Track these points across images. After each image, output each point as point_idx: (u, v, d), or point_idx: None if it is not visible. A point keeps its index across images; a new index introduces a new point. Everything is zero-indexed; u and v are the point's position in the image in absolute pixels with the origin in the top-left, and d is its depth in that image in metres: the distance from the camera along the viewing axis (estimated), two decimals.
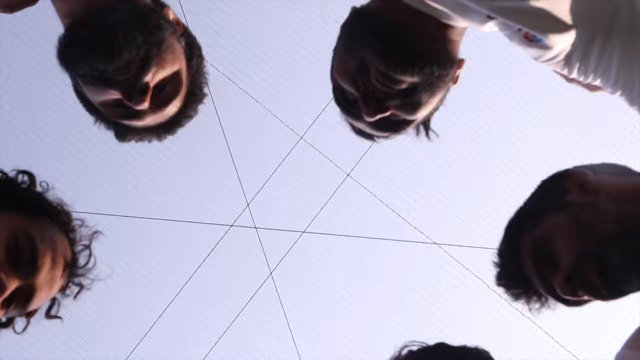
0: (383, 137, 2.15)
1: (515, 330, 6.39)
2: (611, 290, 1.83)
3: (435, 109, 2.08)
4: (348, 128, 2.21)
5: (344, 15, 2.08)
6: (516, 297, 2.06)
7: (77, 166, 6.33)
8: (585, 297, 1.90)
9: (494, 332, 6.41)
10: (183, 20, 2.27)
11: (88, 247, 2.26)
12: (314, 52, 6.06)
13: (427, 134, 2.14)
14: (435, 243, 6.68)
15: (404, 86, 1.86)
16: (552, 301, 2.02)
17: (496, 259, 2.09)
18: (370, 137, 2.17)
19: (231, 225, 6.84)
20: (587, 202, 1.89)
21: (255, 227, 6.83)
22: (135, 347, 6.78)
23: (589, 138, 6.20)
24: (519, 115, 6.41)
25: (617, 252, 1.79)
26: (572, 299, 1.91)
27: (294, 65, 6.40)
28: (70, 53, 2.05)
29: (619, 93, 1.93)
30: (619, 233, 1.79)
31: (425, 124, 2.12)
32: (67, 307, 2.22)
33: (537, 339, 6.40)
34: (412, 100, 1.90)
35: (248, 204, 6.78)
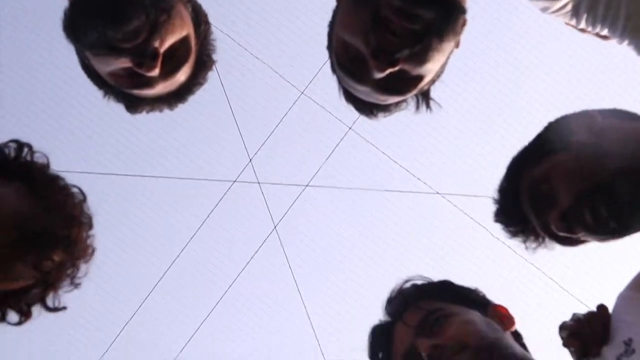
0: (385, 108, 2.11)
1: (519, 276, 6.43)
2: (620, 222, 1.85)
3: (438, 75, 2.05)
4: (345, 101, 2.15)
5: None
6: (513, 234, 2.07)
7: (77, 125, 6.34)
8: (580, 235, 1.92)
9: (497, 279, 6.45)
10: None
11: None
12: (313, 7, 6.03)
13: (427, 105, 2.11)
14: (438, 193, 6.71)
15: (417, 26, 1.82)
16: (548, 240, 2.03)
17: (496, 196, 2.09)
18: (370, 109, 2.13)
19: (234, 181, 6.86)
20: (592, 142, 1.89)
21: (259, 182, 6.84)
22: (142, 302, 6.85)
23: (596, 83, 6.20)
24: (525, 63, 6.40)
25: (623, 186, 1.80)
26: (567, 235, 1.93)
27: (294, 21, 6.37)
28: (77, 22, 2.03)
29: (626, 42, 1.93)
30: (624, 170, 1.80)
31: (425, 94, 2.09)
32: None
33: (540, 284, 6.44)
34: (422, 46, 1.85)
35: (250, 160, 6.79)
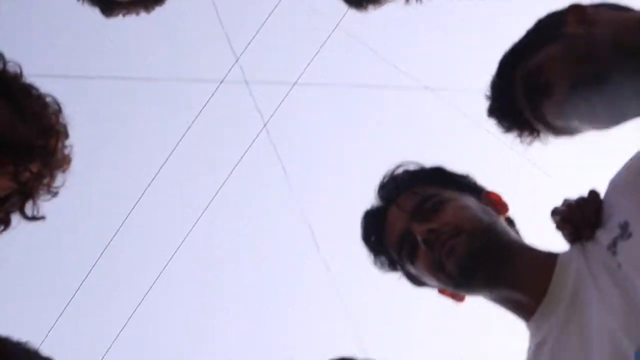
0: None
1: (512, 171, 6.46)
2: (609, 110, 1.83)
3: None
4: None
5: None
6: (507, 129, 2.04)
7: (52, 26, 6.24)
8: (576, 124, 1.89)
9: (489, 173, 6.45)
10: None
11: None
12: None
13: None
14: (427, 87, 6.66)
15: None
16: (542, 133, 2.01)
17: (488, 92, 2.06)
18: (360, 0, 2.08)
19: (221, 82, 6.79)
20: (585, 32, 1.86)
21: (246, 82, 6.78)
22: (135, 204, 6.85)
23: None
24: None
25: (613, 76, 1.77)
26: (564, 124, 1.90)
27: None
28: None
29: None
30: (622, 57, 1.77)
31: None
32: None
33: (533, 178, 6.48)
34: None
35: (237, 59, 6.71)
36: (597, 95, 1.80)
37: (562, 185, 6.39)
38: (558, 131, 1.97)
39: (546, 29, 1.98)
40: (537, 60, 1.91)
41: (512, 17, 6.08)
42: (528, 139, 2.03)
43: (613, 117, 1.85)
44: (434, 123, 6.79)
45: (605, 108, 1.82)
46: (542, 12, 2.06)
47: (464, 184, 2.17)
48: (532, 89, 1.92)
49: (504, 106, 2.03)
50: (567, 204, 1.96)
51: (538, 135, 2.01)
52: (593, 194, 1.93)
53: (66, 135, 2.16)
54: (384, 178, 2.19)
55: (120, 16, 2.26)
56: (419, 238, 1.96)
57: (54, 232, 6.75)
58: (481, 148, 6.40)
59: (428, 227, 1.96)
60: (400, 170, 2.20)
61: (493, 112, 2.06)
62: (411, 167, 2.21)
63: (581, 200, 1.94)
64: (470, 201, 2.07)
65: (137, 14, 2.27)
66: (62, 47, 6.38)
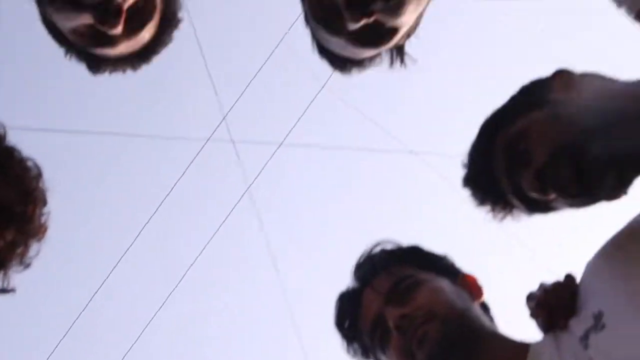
0: (359, 62, 2.07)
1: (489, 241, 6.45)
2: (584, 186, 1.80)
3: (413, 28, 2.02)
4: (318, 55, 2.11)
5: None
6: (482, 201, 2.02)
7: (42, 81, 6.25)
8: (552, 198, 1.87)
9: (468, 242, 6.46)
10: None
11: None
12: None
13: (402, 60, 2.08)
14: (412, 151, 6.69)
15: None
16: (516, 210, 1.99)
17: (466, 159, 2.05)
18: (344, 64, 2.09)
19: (207, 140, 6.79)
20: (570, 99, 1.86)
21: (232, 141, 6.79)
22: (113, 268, 6.80)
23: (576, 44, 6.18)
24: (502, 22, 6.37)
25: (594, 145, 1.76)
26: (540, 197, 1.88)
27: None
28: None
29: None
30: (601, 127, 1.76)
31: (400, 49, 2.07)
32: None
33: (511, 251, 6.46)
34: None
35: (224, 117, 6.73)
36: (571, 166, 1.79)
37: (542, 257, 6.40)
38: (534, 206, 1.95)
39: (531, 95, 1.98)
40: (519, 126, 1.90)
41: (499, 81, 6.15)
42: (500, 215, 2.02)
43: (588, 192, 1.83)
44: (417, 187, 6.80)
45: (578, 179, 1.80)
46: (528, 74, 2.06)
47: (441, 266, 2.16)
48: (511, 156, 1.90)
49: (480, 175, 2.01)
50: (543, 288, 1.93)
51: (511, 211, 2.00)
52: (569, 278, 1.92)
53: (44, 203, 2.13)
54: (360, 258, 2.19)
55: (106, 73, 2.26)
56: (391, 324, 1.95)
57: (31, 293, 6.67)
58: (463, 215, 6.39)
59: (400, 312, 1.95)
60: (377, 250, 2.20)
61: (468, 181, 2.05)
62: (388, 247, 2.20)
63: (557, 285, 1.91)
64: (445, 284, 2.05)
65: (124, 71, 2.26)
66: (47, 100, 6.39)
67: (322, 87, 6.35)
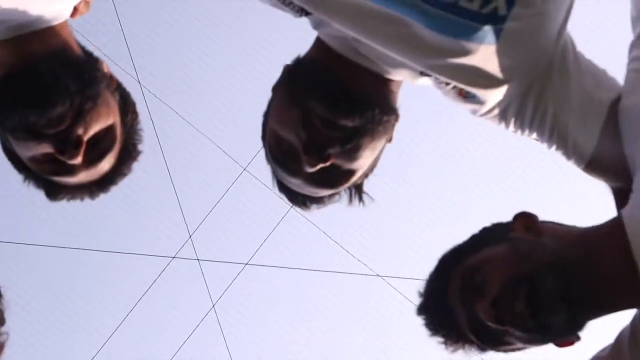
0: (318, 200, 2.12)
1: None
2: (537, 318, 1.83)
3: (371, 169, 2.08)
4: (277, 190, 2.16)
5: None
6: (435, 331, 2.05)
7: (13, 195, 6.24)
8: (508, 329, 1.89)
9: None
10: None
11: None
12: (259, 82, 6.05)
13: (360, 199, 2.14)
14: (378, 275, 6.69)
15: (345, 133, 1.85)
16: (468, 346, 2.01)
17: (422, 289, 2.08)
18: (303, 201, 2.14)
19: (173, 257, 6.78)
20: (528, 238, 1.90)
21: (198, 259, 6.77)
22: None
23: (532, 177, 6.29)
24: (465, 150, 6.48)
25: (549, 279, 1.79)
26: (496, 327, 1.90)
27: (238, 96, 6.40)
28: (0, 105, 1.99)
29: (554, 147, 1.97)
30: (554, 264, 1.80)
31: (358, 187, 2.12)
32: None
33: None
34: (353, 145, 1.90)
35: (190, 236, 6.73)
36: (524, 299, 1.81)
37: None
38: (487, 340, 1.97)
39: (491, 233, 2.02)
40: (477, 258, 1.94)
41: (463, 207, 6.23)
42: (452, 347, 2.03)
43: (541, 326, 1.85)
44: (383, 309, 6.77)
45: (540, 308, 1.82)
46: (489, 217, 2.10)
47: None
48: (467, 286, 1.93)
49: (434, 304, 2.04)
50: None
51: (463, 345, 2.02)
52: None
53: (2, 322, 2.11)
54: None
55: (64, 200, 2.25)
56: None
57: None
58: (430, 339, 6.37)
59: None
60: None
61: (423, 310, 2.07)
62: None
63: None
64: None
65: (82, 199, 2.26)
66: (12, 214, 6.36)
67: (290, 208, 6.40)
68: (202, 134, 6.52)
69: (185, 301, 6.95)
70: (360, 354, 6.68)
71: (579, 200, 5.34)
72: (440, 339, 2.02)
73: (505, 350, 1.97)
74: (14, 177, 2.19)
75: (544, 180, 6.18)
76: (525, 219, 1.94)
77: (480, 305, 1.87)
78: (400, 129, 2.04)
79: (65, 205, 6.20)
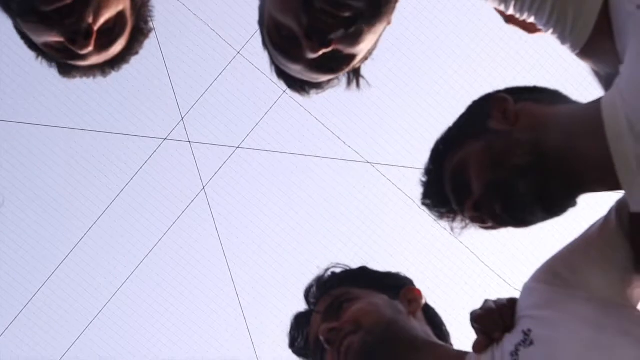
0: (317, 85, 2.11)
1: (443, 250, 6.53)
2: (515, 218, 1.88)
3: (370, 52, 2.07)
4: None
5: None
6: (440, 216, 2.10)
7: (9, 76, 6.23)
8: (492, 225, 1.95)
9: (422, 252, 6.53)
10: None
11: None
12: None
13: (357, 83, 2.13)
14: (368, 162, 6.74)
15: (347, 13, 1.84)
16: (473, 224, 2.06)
17: (422, 178, 2.12)
18: (302, 86, 2.13)
19: (165, 139, 6.80)
20: (505, 130, 1.91)
21: (189, 141, 6.80)
22: (65, 257, 6.77)
23: (527, 62, 6.28)
24: (457, 35, 6.46)
25: (522, 183, 1.82)
26: (481, 226, 1.96)
27: None
28: None
29: (551, 31, 1.96)
30: (529, 165, 1.82)
31: (356, 72, 2.11)
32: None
33: (464, 259, 6.55)
34: (355, 29, 1.88)
35: (182, 118, 6.75)
36: (500, 201, 1.86)
37: (494, 270, 6.49)
38: (483, 226, 2.02)
39: (473, 120, 2.03)
40: (460, 156, 1.97)
41: (452, 96, 6.24)
42: (459, 227, 2.09)
43: (520, 224, 1.91)
44: (373, 196, 6.85)
45: (516, 211, 1.87)
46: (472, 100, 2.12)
47: (383, 283, 2.25)
48: (455, 186, 1.98)
49: (435, 196, 2.09)
50: (487, 308, 1.99)
51: (468, 223, 2.07)
52: (512, 302, 1.98)
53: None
54: (310, 283, 2.29)
55: (77, 78, 2.27)
56: (322, 338, 2.04)
57: None
58: (417, 226, 6.48)
59: (329, 326, 2.04)
60: (327, 274, 2.29)
61: (425, 199, 2.12)
62: (337, 270, 2.30)
63: (501, 306, 1.97)
64: (380, 298, 2.14)
65: (95, 77, 2.27)
66: (7, 92, 6.35)
67: (282, 93, 6.41)
68: (197, 17, 6.47)
69: (176, 182, 7.01)
70: (347, 238, 6.78)
71: None
72: (447, 222, 2.08)
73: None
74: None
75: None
76: (500, 104, 1.94)
77: (467, 205, 1.92)
78: (397, 10, 2.02)
79: (60, 87, 6.20)
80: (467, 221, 2.03)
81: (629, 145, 1.66)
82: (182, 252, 7.02)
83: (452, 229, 2.07)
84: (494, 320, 1.94)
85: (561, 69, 5.95)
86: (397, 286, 2.24)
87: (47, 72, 2.21)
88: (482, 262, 6.48)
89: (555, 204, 1.85)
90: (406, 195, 6.36)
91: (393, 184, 6.57)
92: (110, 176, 6.84)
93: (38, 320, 6.86)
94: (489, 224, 1.94)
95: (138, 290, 6.97)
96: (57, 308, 6.89)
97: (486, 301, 2.02)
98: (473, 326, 1.98)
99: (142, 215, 6.91)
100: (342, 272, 2.29)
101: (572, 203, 1.86)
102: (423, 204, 2.11)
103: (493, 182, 1.87)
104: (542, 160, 1.80)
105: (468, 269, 6.57)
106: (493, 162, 1.88)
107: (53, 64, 2.20)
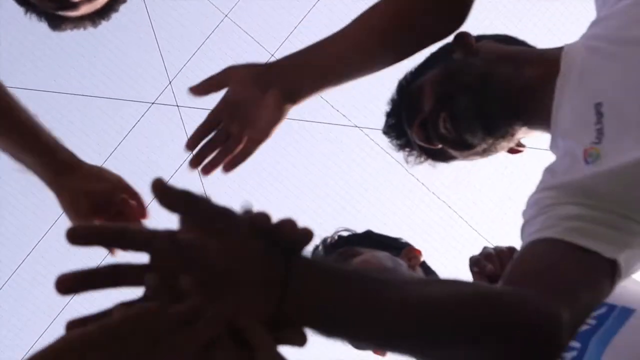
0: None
1: (430, 212, 6.57)
2: (456, 139, 1.92)
3: None
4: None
5: None
6: (399, 147, 2.14)
7: None
8: (437, 146, 1.98)
9: (410, 214, 6.56)
10: None
11: None
12: None
13: None
14: (356, 126, 6.76)
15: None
16: (425, 157, 2.10)
17: (386, 110, 2.17)
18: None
19: (152, 103, 6.80)
20: (461, 58, 1.95)
21: (177, 105, 6.80)
22: (54, 223, 6.78)
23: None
24: None
25: (463, 99, 1.86)
26: (426, 146, 2.00)
27: None
28: None
29: None
30: (477, 85, 1.86)
31: None
32: None
33: (450, 221, 6.59)
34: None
35: (170, 82, 6.74)
36: (453, 112, 1.90)
37: (480, 232, 6.54)
38: (433, 155, 2.07)
39: (438, 54, 2.08)
40: (418, 83, 2.01)
41: None
42: (415, 160, 2.13)
43: (463, 140, 1.93)
44: (361, 160, 6.87)
45: (459, 126, 1.90)
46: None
47: (386, 243, 2.32)
48: (409, 105, 2.02)
49: (394, 126, 2.13)
50: (486, 254, 2.02)
51: (423, 159, 2.11)
52: (511, 249, 2.00)
53: None
54: (316, 244, 2.34)
55: (68, 30, 2.27)
56: None
57: None
58: (405, 190, 6.52)
59: None
60: (335, 237, 2.35)
61: (385, 130, 2.17)
62: (344, 234, 2.35)
63: (500, 252, 2.01)
64: (382, 254, 2.20)
65: (85, 28, 2.28)
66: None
67: (270, 56, 6.40)
68: None
69: (164, 147, 7.01)
70: (335, 201, 6.80)
71: None
72: (404, 155, 2.12)
73: (454, 159, 2.07)
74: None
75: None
76: (463, 39, 1.97)
77: (415, 125, 1.97)
78: None
79: (46, 52, 6.16)
80: (422, 155, 2.07)
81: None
82: (172, 218, 7.03)
83: (406, 161, 2.12)
84: (493, 262, 1.97)
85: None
86: (399, 247, 2.31)
87: (33, 37, 2.21)
88: (470, 226, 6.52)
89: (493, 123, 1.87)
90: (394, 159, 6.38)
91: (380, 147, 6.58)
92: (98, 140, 6.83)
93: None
94: (436, 146, 1.96)
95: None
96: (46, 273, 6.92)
97: (485, 247, 2.07)
98: (472, 270, 2.01)
99: (130, 179, 6.90)
100: (350, 235, 2.36)
101: (509, 130, 1.87)
102: (384, 133, 2.15)
103: (440, 95, 1.91)
104: (488, 84, 1.85)
105: (455, 233, 6.62)
106: (444, 80, 1.93)
107: (43, 18, 2.20)
